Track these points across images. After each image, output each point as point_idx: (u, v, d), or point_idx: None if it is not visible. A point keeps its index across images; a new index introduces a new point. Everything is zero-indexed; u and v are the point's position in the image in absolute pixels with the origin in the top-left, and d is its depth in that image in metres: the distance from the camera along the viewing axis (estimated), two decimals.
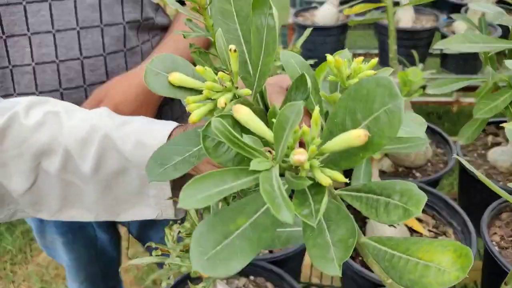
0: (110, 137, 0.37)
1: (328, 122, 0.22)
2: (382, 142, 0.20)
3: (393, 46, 0.67)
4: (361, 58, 0.29)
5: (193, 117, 0.25)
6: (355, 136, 0.19)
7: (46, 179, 0.37)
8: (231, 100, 0.25)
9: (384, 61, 1.31)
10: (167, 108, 0.71)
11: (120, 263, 0.90)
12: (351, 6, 0.69)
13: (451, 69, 1.20)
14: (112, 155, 0.37)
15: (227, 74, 0.25)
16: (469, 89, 1.23)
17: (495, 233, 0.60)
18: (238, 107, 0.21)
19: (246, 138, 0.21)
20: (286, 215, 0.17)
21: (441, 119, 1.98)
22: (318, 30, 1.26)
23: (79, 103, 0.53)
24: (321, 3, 1.39)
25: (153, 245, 0.37)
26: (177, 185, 0.40)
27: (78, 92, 0.55)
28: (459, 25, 1.21)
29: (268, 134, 0.21)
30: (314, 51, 1.30)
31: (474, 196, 0.71)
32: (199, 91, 0.26)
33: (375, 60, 0.29)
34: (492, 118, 0.82)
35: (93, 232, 0.77)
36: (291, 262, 0.62)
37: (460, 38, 0.59)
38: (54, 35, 0.52)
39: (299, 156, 0.19)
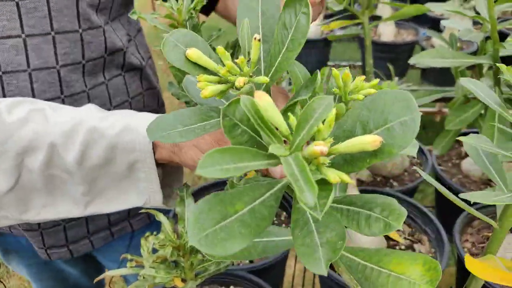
0: (96, 128, 0.37)
1: (335, 128, 0.23)
2: (393, 151, 0.21)
3: (369, 60, 0.70)
4: (363, 76, 0.30)
5: (205, 92, 0.25)
6: (370, 140, 0.20)
7: (30, 176, 0.37)
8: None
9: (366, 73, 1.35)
10: None
11: None
12: (329, 23, 0.71)
13: (431, 80, 1.24)
14: (98, 145, 0.37)
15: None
16: (450, 100, 1.27)
17: (467, 240, 0.63)
18: (261, 93, 0.20)
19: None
20: (310, 197, 0.17)
21: (425, 129, 2.02)
22: None
23: None
24: None
25: (129, 256, 0.38)
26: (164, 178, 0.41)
27: None
28: (438, 39, 1.25)
29: (284, 126, 0.21)
30: (300, 62, 1.34)
31: (449, 204, 0.74)
32: (211, 73, 0.27)
33: (376, 80, 0.30)
34: (467, 128, 0.85)
35: (60, 266, 0.72)
36: (272, 271, 0.63)
37: (431, 53, 0.63)
38: None
39: (320, 147, 0.19)
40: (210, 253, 0.19)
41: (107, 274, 0.42)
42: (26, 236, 0.62)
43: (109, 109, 0.58)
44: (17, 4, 0.46)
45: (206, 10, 0.63)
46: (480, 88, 0.37)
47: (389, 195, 0.67)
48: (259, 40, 0.25)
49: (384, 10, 1.33)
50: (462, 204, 0.36)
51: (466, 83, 0.38)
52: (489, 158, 0.41)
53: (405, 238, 0.64)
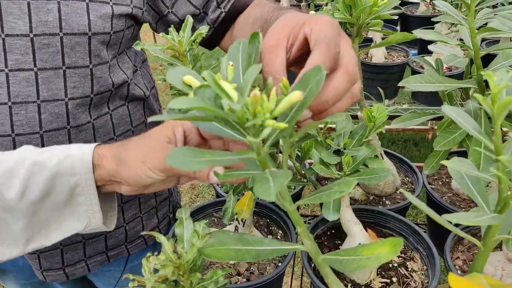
0: (37, 161, 0.39)
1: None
2: (311, 99, 0.30)
3: (359, 85, 0.73)
4: None
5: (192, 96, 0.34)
6: (295, 94, 0.28)
7: None
8: None
9: None
10: None
11: None
12: None
13: (421, 100, 1.28)
14: (39, 177, 0.39)
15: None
16: (442, 118, 1.31)
17: (458, 257, 0.64)
18: (222, 81, 0.29)
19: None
20: (237, 106, 0.27)
21: (417, 146, 2.06)
22: None
23: None
24: None
25: (131, 277, 0.40)
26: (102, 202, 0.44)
27: None
28: (425, 64, 1.30)
29: (235, 94, 0.29)
30: None
31: None
32: None
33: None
34: (457, 148, 0.88)
35: (56, 287, 0.72)
36: None
37: (417, 78, 0.66)
38: None
39: (254, 91, 0.26)
40: (181, 168, 0.27)
41: None
42: (26, 257, 0.63)
43: (112, 139, 0.60)
44: (32, 40, 0.48)
45: (211, 45, 0.66)
46: (461, 116, 0.40)
47: (382, 213, 0.69)
48: (232, 65, 0.36)
49: (375, 33, 1.38)
50: (448, 225, 0.38)
51: (448, 111, 0.40)
52: (472, 180, 0.44)
53: (397, 256, 0.65)
